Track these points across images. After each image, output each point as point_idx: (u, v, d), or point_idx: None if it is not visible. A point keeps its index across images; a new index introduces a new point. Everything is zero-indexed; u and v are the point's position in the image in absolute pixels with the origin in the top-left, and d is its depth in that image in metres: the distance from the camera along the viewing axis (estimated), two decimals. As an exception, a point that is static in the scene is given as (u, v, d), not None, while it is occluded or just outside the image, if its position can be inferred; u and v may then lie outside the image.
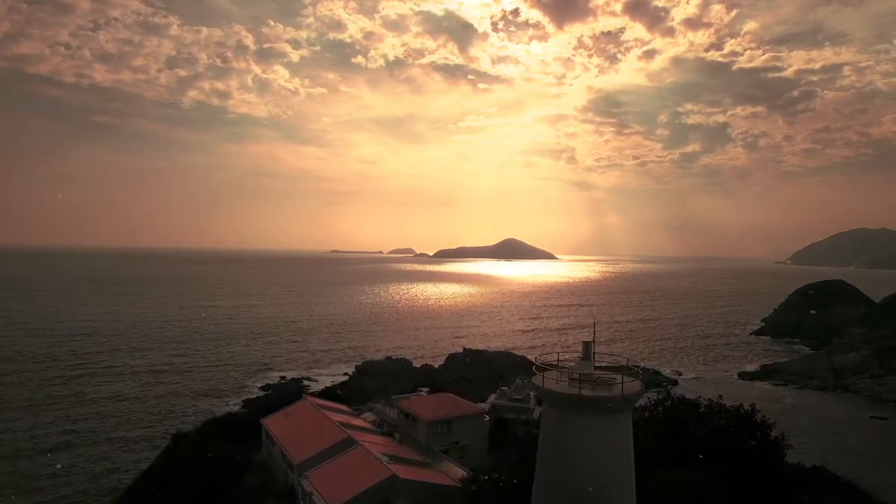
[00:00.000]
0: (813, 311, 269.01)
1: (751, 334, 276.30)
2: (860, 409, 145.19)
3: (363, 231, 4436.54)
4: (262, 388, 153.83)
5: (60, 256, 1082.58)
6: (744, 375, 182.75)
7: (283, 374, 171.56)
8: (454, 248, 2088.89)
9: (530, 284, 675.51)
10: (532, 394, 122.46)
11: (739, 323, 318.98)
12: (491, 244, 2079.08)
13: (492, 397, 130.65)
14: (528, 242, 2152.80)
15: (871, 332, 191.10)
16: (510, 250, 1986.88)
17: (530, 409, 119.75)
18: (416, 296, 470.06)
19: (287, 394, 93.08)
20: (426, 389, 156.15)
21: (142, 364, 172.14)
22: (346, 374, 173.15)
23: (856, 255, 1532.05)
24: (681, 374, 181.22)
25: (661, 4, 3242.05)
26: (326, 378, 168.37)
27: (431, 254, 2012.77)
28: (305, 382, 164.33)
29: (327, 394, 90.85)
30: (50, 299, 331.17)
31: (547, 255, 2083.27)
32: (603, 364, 36.85)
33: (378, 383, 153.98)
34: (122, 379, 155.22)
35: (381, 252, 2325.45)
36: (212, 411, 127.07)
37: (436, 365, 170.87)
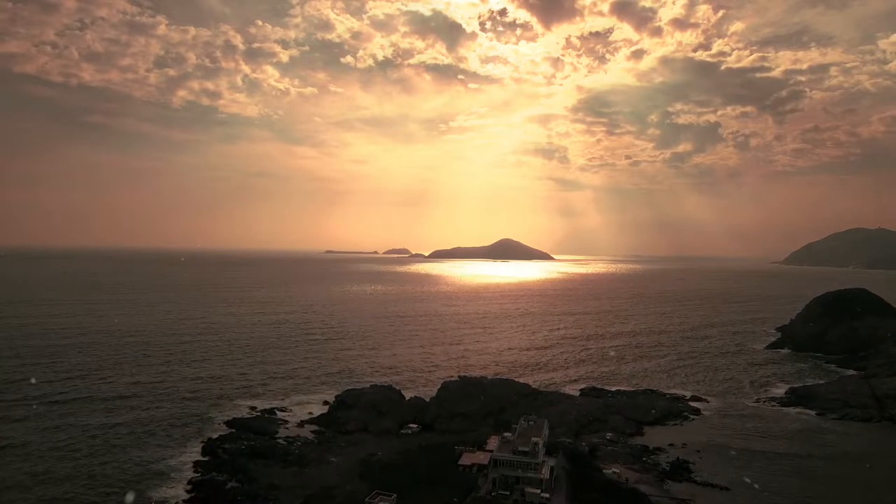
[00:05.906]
0: (835, 323, 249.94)
1: (767, 348, 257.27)
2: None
3: (358, 231, 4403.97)
4: (227, 424, 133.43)
5: (53, 259, 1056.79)
6: (773, 401, 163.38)
7: (254, 403, 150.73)
8: (449, 248, 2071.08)
9: (528, 288, 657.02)
10: (540, 443, 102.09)
11: (753, 333, 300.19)
12: (486, 244, 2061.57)
13: (492, 442, 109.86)
14: (524, 243, 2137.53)
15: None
16: (506, 250, 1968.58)
17: (538, 465, 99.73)
18: (410, 303, 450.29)
19: None
20: (415, 426, 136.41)
21: (92, 405, 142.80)
22: (325, 402, 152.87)
23: (853, 255, 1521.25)
24: (702, 400, 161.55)
25: (647, 5, 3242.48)
26: (303, 409, 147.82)
27: (427, 254, 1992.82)
28: (278, 414, 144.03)
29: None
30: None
31: (543, 256, 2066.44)
32: None
33: (361, 419, 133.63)
34: (64, 428, 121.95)
35: (376, 252, 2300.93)
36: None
37: (427, 397, 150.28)
